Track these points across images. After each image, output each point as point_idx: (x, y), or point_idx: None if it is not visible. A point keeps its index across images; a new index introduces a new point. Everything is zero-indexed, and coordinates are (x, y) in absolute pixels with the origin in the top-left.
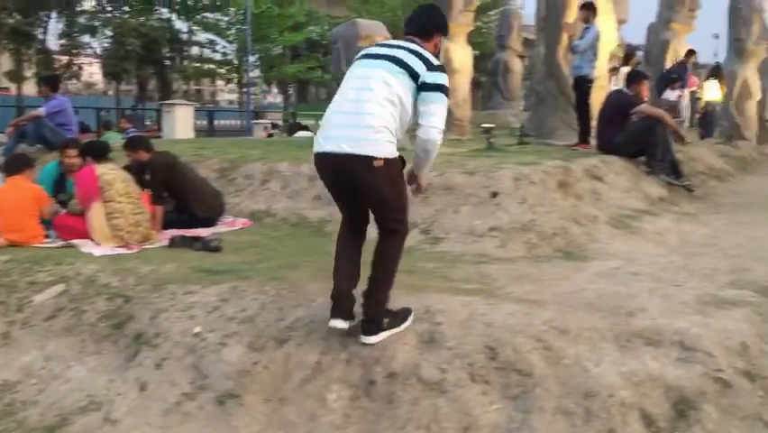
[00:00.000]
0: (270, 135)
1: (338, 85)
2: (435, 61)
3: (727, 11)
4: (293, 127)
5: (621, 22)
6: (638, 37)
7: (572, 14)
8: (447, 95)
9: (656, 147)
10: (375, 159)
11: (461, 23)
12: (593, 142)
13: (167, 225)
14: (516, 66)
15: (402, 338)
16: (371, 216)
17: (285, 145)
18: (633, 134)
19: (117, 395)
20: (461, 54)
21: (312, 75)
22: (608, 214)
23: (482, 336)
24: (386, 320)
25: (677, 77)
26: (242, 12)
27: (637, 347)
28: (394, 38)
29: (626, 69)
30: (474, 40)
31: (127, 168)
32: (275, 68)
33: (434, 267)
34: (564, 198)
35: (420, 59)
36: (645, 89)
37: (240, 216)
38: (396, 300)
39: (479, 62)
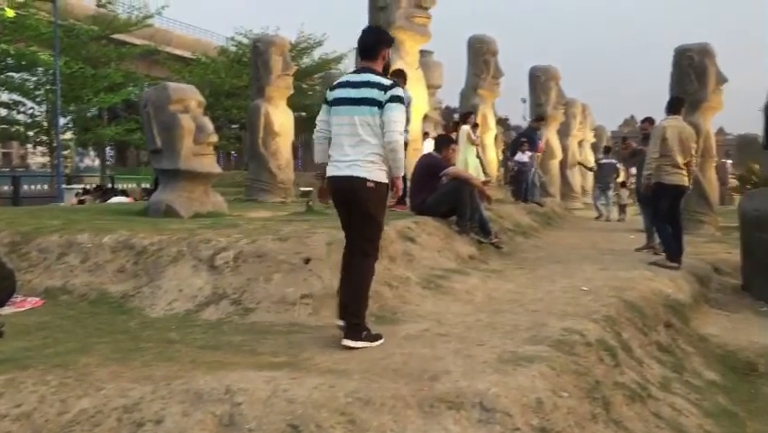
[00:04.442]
0: (82, 202)
1: (154, 152)
2: (387, 82)
3: (528, 78)
4: (107, 192)
5: (436, 87)
6: (456, 101)
7: None
8: (402, 102)
9: (465, 207)
10: (368, 180)
11: (280, 86)
12: (409, 202)
13: None
14: None
15: (199, 423)
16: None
17: (92, 213)
18: (442, 195)
19: None
20: (281, 117)
21: (131, 137)
22: (419, 275)
23: (285, 413)
24: (364, 333)
25: (526, 140)
26: (51, 72)
27: (440, 412)
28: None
29: (466, 128)
30: (302, 102)
31: None
32: (90, 130)
33: (241, 340)
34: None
35: (377, 87)
36: (453, 153)
37: (31, 294)
38: (194, 380)
39: (307, 124)
